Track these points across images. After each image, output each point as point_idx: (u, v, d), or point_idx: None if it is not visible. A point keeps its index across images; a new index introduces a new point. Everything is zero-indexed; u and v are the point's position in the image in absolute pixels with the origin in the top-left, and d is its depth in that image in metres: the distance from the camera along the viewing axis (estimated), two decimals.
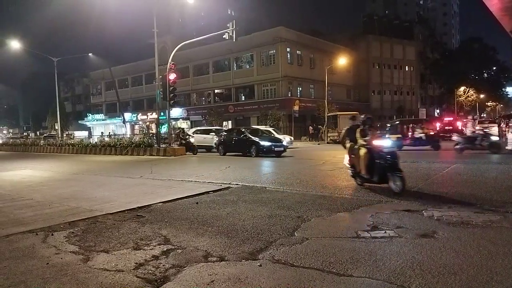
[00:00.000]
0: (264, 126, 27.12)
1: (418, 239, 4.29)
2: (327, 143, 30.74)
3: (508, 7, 15.06)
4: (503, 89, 66.41)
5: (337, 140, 22.28)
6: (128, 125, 48.12)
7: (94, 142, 27.38)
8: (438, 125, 29.51)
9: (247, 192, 7.84)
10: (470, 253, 3.79)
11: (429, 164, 12.08)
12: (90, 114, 59.00)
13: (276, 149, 17.11)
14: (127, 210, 6.29)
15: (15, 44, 34.62)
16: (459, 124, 30.72)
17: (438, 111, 67.61)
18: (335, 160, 12.70)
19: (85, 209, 6.35)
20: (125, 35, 60.92)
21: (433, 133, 19.32)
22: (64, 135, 37.84)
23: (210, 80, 45.03)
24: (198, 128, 27.83)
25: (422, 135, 18.33)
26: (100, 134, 41.56)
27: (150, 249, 4.20)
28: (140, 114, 50.57)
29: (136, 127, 50.40)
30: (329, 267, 3.51)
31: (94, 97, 60.57)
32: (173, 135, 23.03)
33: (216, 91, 45.62)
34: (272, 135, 21.05)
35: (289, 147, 20.02)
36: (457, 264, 3.49)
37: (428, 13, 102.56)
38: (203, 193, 7.72)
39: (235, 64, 43.06)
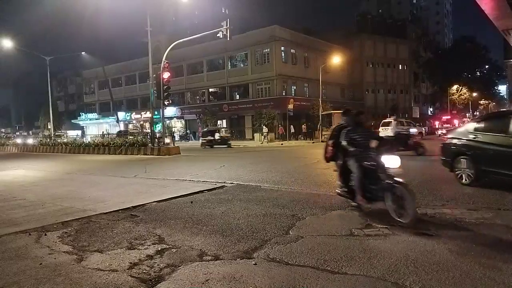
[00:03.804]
0: None
1: (411, 236, 4.31)
2: (322, 141, 30.85)
3: (499, 6, 15.21)
4: (495, 87, 67.12)
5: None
6: (121, 124, 47.80)
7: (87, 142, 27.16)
8: None
9: (241, 191, 7.83)
10: (463, 250, 3.82)
11: (421, 162, 12.16)
12: (83, 113, 58.52)
13: None
14: (121, 209, 6.25)
15: (6, 43, 34.16)
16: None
17: (431, 109, 68.08)
18: None
19: (78, 209, 6.30)
20: (119, 34, 60.44)
21: None
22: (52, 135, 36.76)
23: (204, 79, 44.88)
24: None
25: None
26: (75, 136, 40.21)
27: (145, 249, 4.18)
28: (134, 113, 50.25)
29: (130, 126, 50.12)
30: (324, 265, 3.52)
31: (87, 96, 60.04)
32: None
33: (210, 90, 45.45)
34: None
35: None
36: (450, 261, 3.52)
37: (421, 12, 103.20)
38: (197, 192, 7.70)
39: (229, 62, 42.95)
